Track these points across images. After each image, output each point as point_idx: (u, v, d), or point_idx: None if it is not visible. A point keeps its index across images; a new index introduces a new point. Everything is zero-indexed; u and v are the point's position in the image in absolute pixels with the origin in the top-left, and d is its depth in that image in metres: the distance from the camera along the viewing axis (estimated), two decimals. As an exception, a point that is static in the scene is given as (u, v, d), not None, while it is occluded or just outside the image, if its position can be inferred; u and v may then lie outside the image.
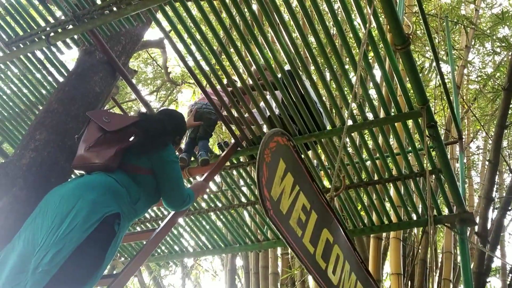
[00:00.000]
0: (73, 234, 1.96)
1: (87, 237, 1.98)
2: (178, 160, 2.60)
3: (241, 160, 3.74)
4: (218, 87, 3.22)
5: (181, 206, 2.55)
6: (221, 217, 4.23)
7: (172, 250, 4.61)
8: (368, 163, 3.69)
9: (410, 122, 3.39)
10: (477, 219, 5.07)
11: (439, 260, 7.44)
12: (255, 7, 5.16)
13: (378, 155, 3.49)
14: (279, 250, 6.95)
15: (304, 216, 1.49)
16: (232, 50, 3.12)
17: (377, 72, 5.76)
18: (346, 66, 3.11)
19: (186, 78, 8.86)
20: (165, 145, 2.47)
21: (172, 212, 2.78)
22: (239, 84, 3.32)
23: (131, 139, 2.55)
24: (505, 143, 10.38)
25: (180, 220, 4.34)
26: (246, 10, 2.82)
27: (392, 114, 3.00)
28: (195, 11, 5.21)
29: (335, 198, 3.86)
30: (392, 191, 4.23)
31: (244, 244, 4.40)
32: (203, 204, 4.18)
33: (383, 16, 2.73)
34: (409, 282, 6.55)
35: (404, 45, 2.46)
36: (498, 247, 8.62)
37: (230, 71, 3.19)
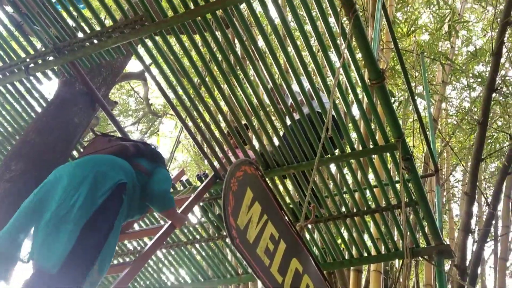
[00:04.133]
0: (90, 200, 2.15)
1: (102, 202, 2.17)
2: None
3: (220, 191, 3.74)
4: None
5: (164, 199, 2.68)
6: (200, 250, 4.18)
7: (150, 285, 4.52)
8: (347, 195, 3.71)
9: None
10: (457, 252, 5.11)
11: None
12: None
13: (356, 187, 3.52)
14: (259, 284, 6.86)
15: (273, 245, 1.49)
16: (211, 84, 3.16)
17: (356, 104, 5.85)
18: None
19: (168, 110, 8.89)
20: (164, 163, 2.80)
21: (149, 244, 2.74)
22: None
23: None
24: (485, 175, 10.56)
25: (159, 253, 4.28)
26: (227, 48, 2.88)
27: (369, 147, 3.05)
28: (176, 44, 5.27)
29: (314, 230, 3.88)
30: (371, 224, 4.25)
31: (224, 278, 4.34)
32: (182, 237, 4.14)
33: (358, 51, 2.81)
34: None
35: (379, 80, 2.53)
36: (479, 280, 8.66)
37: (210, 104, 3.22)
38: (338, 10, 2.44)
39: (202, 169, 7.82)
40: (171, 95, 3.71)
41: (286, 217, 1.71)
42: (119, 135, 3.35)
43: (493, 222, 7.29)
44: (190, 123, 3.43)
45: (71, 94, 3.11)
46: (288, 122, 3.11)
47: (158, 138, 9.60)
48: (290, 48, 2.71)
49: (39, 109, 3.41)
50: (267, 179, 2.88)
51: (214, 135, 3.31)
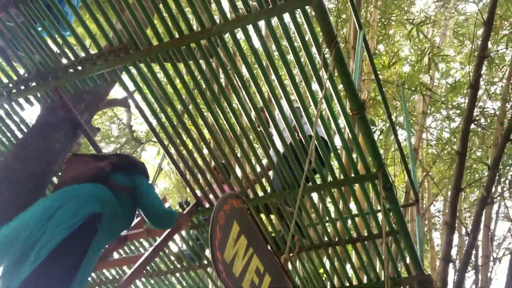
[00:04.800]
0: (59, 229, 2.14)
1: (71, 233, 2.15)
2: None
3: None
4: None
5: (166, 220, 2.74)
6: (181, 279, 4.12)
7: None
8: (328, 224, 3.71)
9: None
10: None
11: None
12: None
13: (338, 216, 3.53)
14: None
15: (257, 278, 1.49)
16: (194, 112, 3.18)
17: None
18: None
19: (150, 137, 8.87)
20: (144, 171, 2.77)
21: (132, 269, 2.69)
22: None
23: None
24: (465, 205, 10.67)
25: (138, 283, 4.20)
26: (212, 77, 2.91)
27: (351, 176, 3.08)
28: (160, 72, 5.30)
29: (296, 260, 3.86)
30: (353, 253, 4.24)
31: (204, 308, 4.26)
32: (162, 266, 4.08)
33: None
34: None
35: (360, 110, 2.58)
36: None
37: (193, 132, 3.23)
38: (320, 41, 2.50)
39: (184, 197, 7.76)
40: (154, 121, 3.73)
41: (271, 250, 1.71)
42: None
43: (474, 251, 7.34)
44: (172, 150, 3.42)
45: (53, 120, 3.09)
46: (271, 151, 3.13)
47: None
48: (274, 78, 2.75)
49: (19, 135, 3.38)
50: (253, 212, 2.91)
51: (197, 163, 3.30)
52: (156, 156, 9.90)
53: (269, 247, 1.70)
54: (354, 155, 3.32)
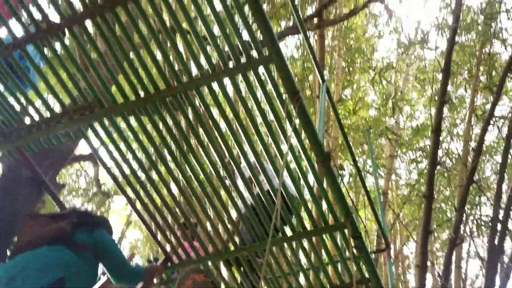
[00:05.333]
0: None
1: None
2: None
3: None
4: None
5: (130, 278, 2.65)
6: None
7: None
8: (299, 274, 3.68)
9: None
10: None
11: None
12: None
13: (309, 266, 3.51)
14: None
15: None
16: (160, 166, 3.17)
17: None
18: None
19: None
20: (107, 226, 2.65)
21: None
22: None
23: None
24: (437, 245, 10.77)
25: None
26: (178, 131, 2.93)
27: (321, 226, 3.09)
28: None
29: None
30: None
31: None
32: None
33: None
34: None
35: (325, 162, 2.62)
36: None
37: (160, 187, 3.21)
38: (284, 96, 2.56)
39: (155, 249, 7.59)
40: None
41: None
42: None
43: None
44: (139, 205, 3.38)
45: (15, 181, 3.03)
46: (240, 203, 3.12)
47: (108, 216, 9.34)
48: (240, 131, 2.79)
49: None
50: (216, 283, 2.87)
51: (164, 218, 3.26)
52: (125, 207, 9.74)
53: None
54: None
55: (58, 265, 2.25)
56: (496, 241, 6.21)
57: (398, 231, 10.25)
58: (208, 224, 3.28)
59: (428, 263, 6.76)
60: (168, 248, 3.44)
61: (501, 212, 6.34)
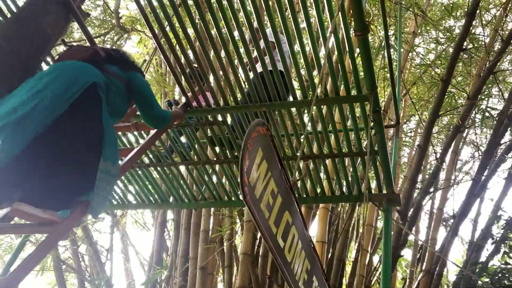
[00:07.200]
0: (54, 102, 2.06)
1: (73, 106, 2.09)
2: None
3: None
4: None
5: (161, 121, 2.74)
6: (162, 173, 4.26)
7: (114, 200, 4.61)
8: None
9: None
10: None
11: (360, 231, 7.92)
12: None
13: (321, 129, 3.63)
14: (212, 208, 7.07)
15: (272, 199, 1.62)
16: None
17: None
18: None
19: (135, 24, 8.55)
20: (140, 70, 2.68)
21: (124, 162, 2.76)
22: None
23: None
24: (435, 129, 11.02)
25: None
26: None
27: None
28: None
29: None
30: (329, 165, 4.43)
31: (181, 201, 4.47)
32: (146, 159, 4.19)
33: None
34: (331, 249, 6.95)
35: (363, 32, 2.56)
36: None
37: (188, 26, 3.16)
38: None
39: (165, 90, 7.72)
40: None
41: (284, 174, 1.81)
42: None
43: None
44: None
45: (44, 3, 2.94)
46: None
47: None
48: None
49: (8, 14, 3.23)
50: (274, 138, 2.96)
51: (189, 60, 3.26)
52: (137, 44, 9.63)
53: (283, 172, 1.80)
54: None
55: (93, 74, 2.29)
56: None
57: (402, 108, 10.36)
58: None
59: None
60: (188, 93, 3.50)
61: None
